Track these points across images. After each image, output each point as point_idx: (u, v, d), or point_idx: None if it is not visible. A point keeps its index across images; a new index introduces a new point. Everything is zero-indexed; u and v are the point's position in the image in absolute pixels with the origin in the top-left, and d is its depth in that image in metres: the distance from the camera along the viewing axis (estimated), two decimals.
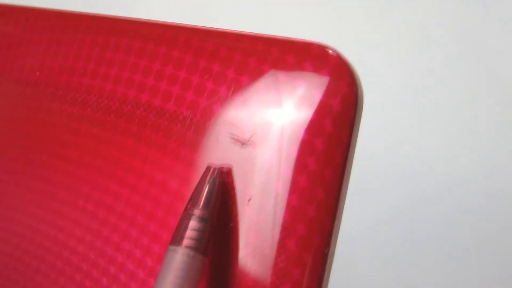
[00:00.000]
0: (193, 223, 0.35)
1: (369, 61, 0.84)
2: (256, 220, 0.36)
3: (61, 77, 0.44)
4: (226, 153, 0.37)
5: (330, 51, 0.36)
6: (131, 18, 0.42)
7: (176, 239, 0.35)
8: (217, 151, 0.37)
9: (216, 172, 0.36)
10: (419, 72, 0.84)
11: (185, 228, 0.35)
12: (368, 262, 0.88)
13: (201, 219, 0.35)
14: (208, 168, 0.36)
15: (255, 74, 0.37)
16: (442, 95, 0.83)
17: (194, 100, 0.39)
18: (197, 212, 0.35)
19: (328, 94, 0.35)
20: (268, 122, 0.36)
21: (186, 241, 0.35)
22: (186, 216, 0.35)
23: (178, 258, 0.34)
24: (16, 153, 0.46)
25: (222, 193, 0.36)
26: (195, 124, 0.38)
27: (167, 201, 0.39)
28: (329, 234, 0.36)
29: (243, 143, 0.37)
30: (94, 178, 0.42)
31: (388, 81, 0.85)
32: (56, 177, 0.44)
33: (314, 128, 0.35)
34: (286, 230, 0.35)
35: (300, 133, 0.35)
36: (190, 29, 0.40)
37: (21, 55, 0.46)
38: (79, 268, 0.42)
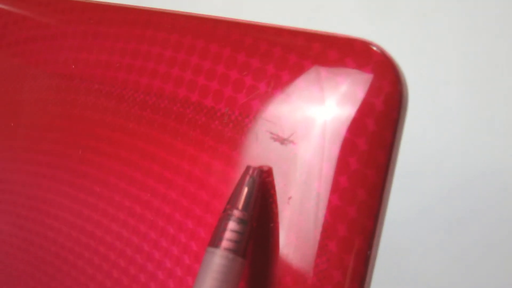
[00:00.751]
0: (232, 225, 0.34)
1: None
2: (296, 220, 0.35)
3: (96, 71, 0.43)
4: (265, 151, 0.36)
5: (374, 48, 0.35)
6: (167, 10, 0.41)
7: (215, 241, 0.34)
8: (256, 149, 0.37)
9: (255, 172, 0.35)
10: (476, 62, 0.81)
11: (224, 230, 0.34)
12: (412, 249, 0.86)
13: (241, 221, 0.34)
14: (247, 168, 0.35)
15: (296, 70, 0.36)
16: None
17: (232, 96, 0.38)
18: (236, 213, 0.34)
19: (371, 92, 0.34)
20: (309, 120, 0.35)
21: (225, 243, 0.34)
22: (225, 217, 0.34)
23: (217, 261, 0.34)
24: (52, 147, 0.46)
25: (262, 193, 0.35)
26: (234, 121, 0.38)
27: (205, 199, 0.38)
28: (371, 235, 0.35)
29: (282, 142, 0.36)
30: (130, 174, 0.41)
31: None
32: (92, 172, 0.43)
33: (356, 127, 0.34)
34: (327, 231, 0.35)
35: (342, 132, 0.34)
36: (228, 22, 0.39)
37: (56, 47, 0.45)
38: (116, 264, 0.42)
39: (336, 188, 0.34)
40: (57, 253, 0.45)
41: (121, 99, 0.42)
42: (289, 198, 0.35)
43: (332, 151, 0.34)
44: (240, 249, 0.34)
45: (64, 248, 0.44)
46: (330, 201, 0.34)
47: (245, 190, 0.35)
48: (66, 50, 0.45)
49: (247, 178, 0.35)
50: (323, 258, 0.35)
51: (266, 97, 0.37)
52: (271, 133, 0.36)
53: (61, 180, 0.45)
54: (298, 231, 0.35)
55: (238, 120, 0.37)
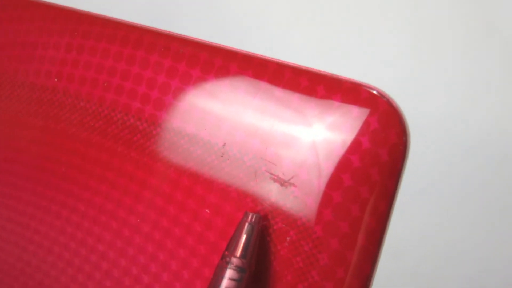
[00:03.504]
0: (230, 273, 0.34)
1: None
2: (292, 261, 0.36)
3: (82, 88, 0.42)
4: (263, 189, 0.36)
5: (381, 97, 0.35)
6: (162, 30, 0.40)
7: None
8: (254, 186, 0.37)
9: (254, 218, 0.35)
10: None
11: (222, 277, 0.34)
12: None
13: (240, 269, 0.34)
14: (246, 214, 0.35)
15: (298, 112, 0.36)
16: None
17: (229, 132, 0.37)
18: (235, 261, 0.34)
19: (376, 142, 0.34)
20: (310, 165, 0.35)
21: None
22: (223, 265, 0.35)
23: None
24: (33, 160, 0.44)
25: (261, 239, 0.36)
26: (231, 157, 0.37)
27: (198, 229, 0.38)
28: (368, 279, 0.36)
29: (282, 184, 0.36)
30: (118, 197, 0.41)
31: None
32: (75, 190, 0.42)
33: (359, 176, 0.35)
34: (325, 273, 0.35)
35: (344, 179, 0.35)
36: (229, 52, 0.39)
37: (38, 57, 0.43)
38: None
39: (336, 233, 0.35)
40: (39, 267, 0.44)
41: (110, 121, 0.41)
42: (288, 238, 0.36)
43: (334, 196, 0.35)
44: None
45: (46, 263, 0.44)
46: (330, 245, 0.35)
47: (244, 237, 0.35)
48: (48, 62, 0.43)
49: (246, 225, 0.35)
50: None
51: (265, 137, 0.37)
52: (271, 174, 0.36)
53: (41, 195, 0.43)
54: (293, 271, 0.36)
55: (237, 157, 0.37)
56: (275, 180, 0.36)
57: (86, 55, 0.42)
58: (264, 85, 0.37)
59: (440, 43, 0.81)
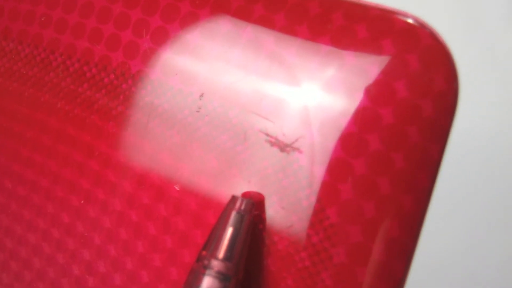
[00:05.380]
0: (209, 281, 0.24)
1: None
2: (295, 258, 0.25)
3: (12, 25, 0.31)
4: (255, 156, 0.26)
5: (422, 27, 0.25)
6: None
7: None
8: (242, 153, 0.26)
9: (244, 205, 0.25)
10: None
11: (197, 287, 0.23)
12: None
13: (222, 276, 0.24)
14: (233, 200, 0.25)
15: (306, 49, 0.26)
16: None
17: (209, 78, 0.27)
18: (216, 264, 0.24)
19: (415, 90, 0.24)
20: (321, 122, 0.25)
21: None
22: (199, 270, 0.24)
23: None
24: None
25: (252, 233, 0.25)
26: (211, 113, 0.27)
27: (163, 213, 0.28)
28: (400, 283, 0.25)
29: (283, 148, 0.26)
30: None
31: None
32: (2, 162, 0.32)
33: (392, 137, 0.24)
34: (341, 275, 0.25)
35: (370, 142, 0.25)
36: None
37: None
38: None
39: (358, 219, 0.25)
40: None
41: (48, 67, 0.30)
42: (290, 226, 0.26)
43: (356, 168, 0.25)
44: None
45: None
46: (347, 236, 0.25)
47: (229, 231, 0.24)
48: None
49: (233, 214, 0.25)
50: None
51: (260, 82, 0.26)
52: (267, 135, 0.26)
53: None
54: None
55: (218, 112, 0.27)
56: (272, 144, 0.26)
57: None
58: (258, 12, 0.27)
59: None
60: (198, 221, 0.27)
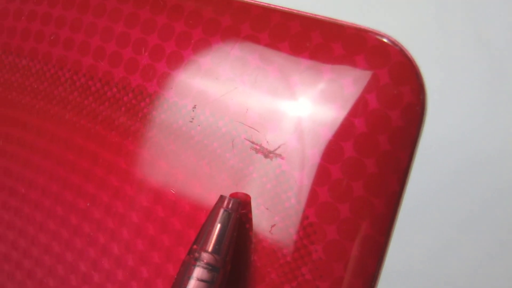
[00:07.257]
0: (199, 272, 0.26)
1: None
2: (278, 255, 0.28)
3: (24, 43, 0.34)
4: (242, 162, 0.29)
5: (392, 45, 0.27)
6: None
7: None
8: (231, 159, 0.29)
9: (231, 204, 0.27)
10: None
11: (189, 277, 0.26)
12: None
13: (211, 267, 0.26)
14: (221, 199, 0.28)
15: (287, 65, 0.28)
16: None
17: (201, 91, 0.30)
18: (205, 257, 0.27)
19: (386, 102, 0.27)
20: (301, 131, 0.28)
21: None
22: (190, 261, 0.27)
23: None
24: None
25: (239, 229, 0.28)
26: (203, 123, 0.30)
27: (160, 215, 0.31)
28: (373, 278, 0.28)
29: (266, 155, 0.28)
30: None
31: None
32: (14, 169, 0.35)
33: (365, 145, 0.27)
34: (319, 270, 0.28)
35: (345, 149, 0.27)
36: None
37: None
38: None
39: (334, 218, 0.27)
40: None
41: (57, 82, 0.33)
42: (273, 225, 0.28)
43: (332, 172, 0.27)
44: None
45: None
46: (325, 235, 0.27)
47: (218, 227, 0.27)
48: None
49: (221, 212, 0.27)
50: None
51: (246, 96, 0.29)
52: (252, 143, 0.29)
53: None
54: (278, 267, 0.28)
55: (209, 122, 0.30)
56: (257, 151, 0.29)
57: (31, 3, 0.34)
58: (245, 32, 0.29)
59: None
60: (191, 221, 0.30)
